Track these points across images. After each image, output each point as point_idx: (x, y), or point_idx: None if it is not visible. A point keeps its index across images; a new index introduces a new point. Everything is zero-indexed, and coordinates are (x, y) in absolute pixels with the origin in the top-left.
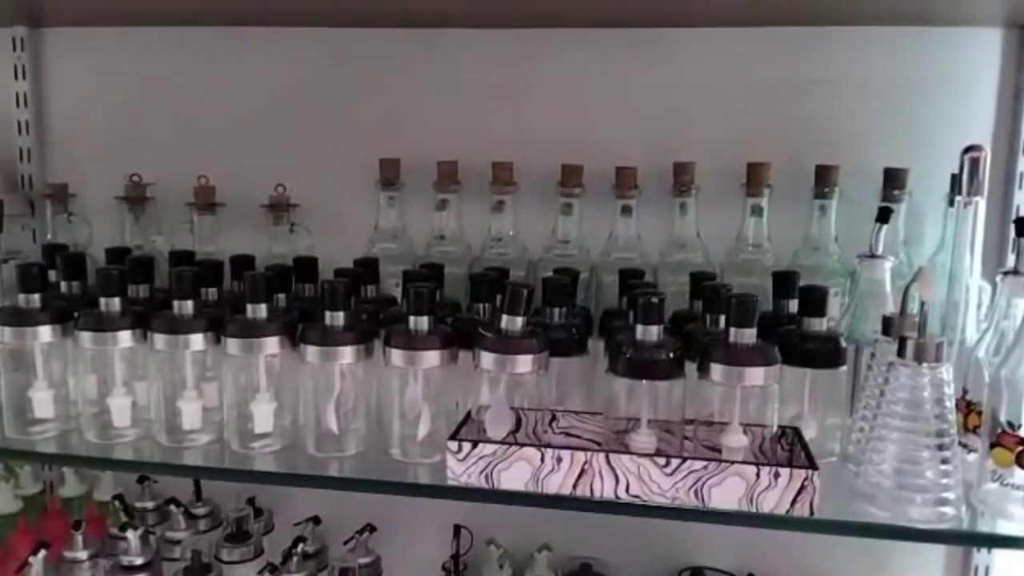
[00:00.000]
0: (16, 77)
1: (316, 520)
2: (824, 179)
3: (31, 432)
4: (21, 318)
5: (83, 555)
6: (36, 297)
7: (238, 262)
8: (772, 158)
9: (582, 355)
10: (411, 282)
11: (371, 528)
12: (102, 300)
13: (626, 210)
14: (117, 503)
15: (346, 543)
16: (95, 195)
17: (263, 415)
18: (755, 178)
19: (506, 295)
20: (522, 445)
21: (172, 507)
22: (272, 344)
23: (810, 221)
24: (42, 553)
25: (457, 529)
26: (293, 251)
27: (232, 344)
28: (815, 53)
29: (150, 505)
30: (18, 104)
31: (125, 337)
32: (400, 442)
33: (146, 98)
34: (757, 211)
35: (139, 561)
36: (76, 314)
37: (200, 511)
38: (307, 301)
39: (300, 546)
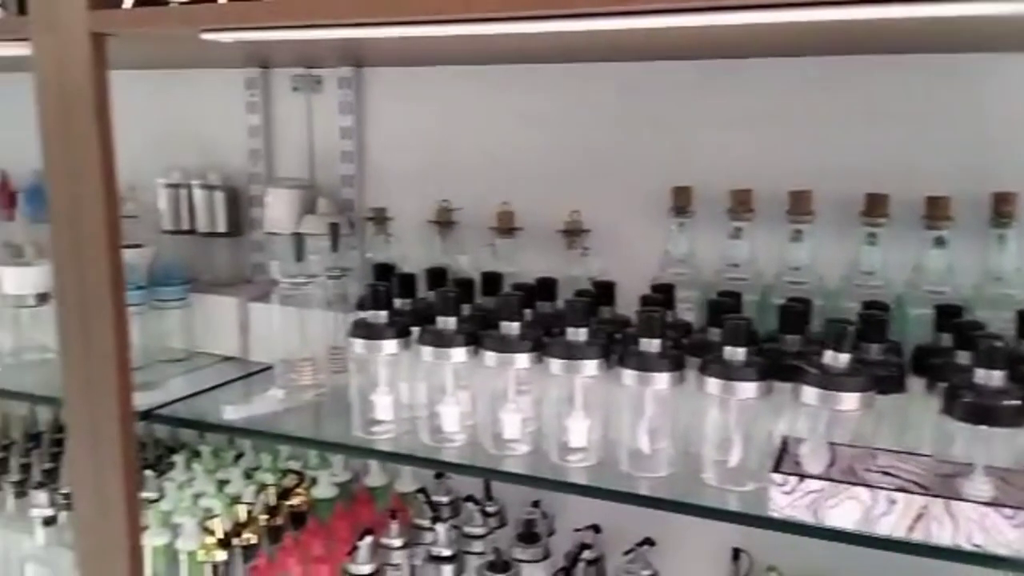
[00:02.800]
0: (341, 112)
1: (596, 528)
2: None
3: (373, 432)
4: (371, 331)
5: (397, 542)
6: (383, 314)
7: (543, 284)
8: None
9: (899, 392)
10: (720, 313)
11: (650, 542)
12: (440, 319)
13: (939, 241)
14: (421, 496)
15: (626, 554)
16: (407, 218)
17: (579, 431)
18: None
19: (830, 331)
20: (853, 484)
21: (469, 504)
22: (591, 366)
23: None
24: (368, 539)
25: (736, 553)
26: (586, 273)
27: (555, 364)
28: None
29: (445, 500)
30: (343, 136)
31: (460, 353)
32: (712, 467)
33: (454, 131)
34: None
35: (446, 553)
36: (417, 329)
37: (490, 509)
38: (609, 324)
39: (585, 552)
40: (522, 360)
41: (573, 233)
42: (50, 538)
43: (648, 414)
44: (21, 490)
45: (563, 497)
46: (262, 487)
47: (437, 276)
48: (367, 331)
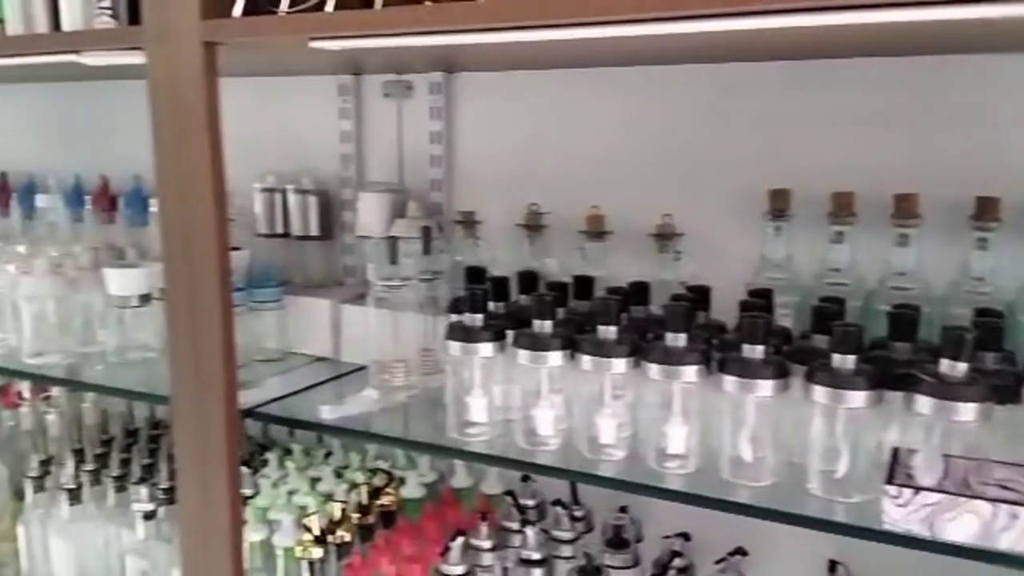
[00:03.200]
0: (432, 117)
1: (686, 536)
2: None
3: (467, 434)
4: (467, 334)
5: (487, 544)
6: (479, 317)
7: (636, 288)
8: None
9: (1015, 403)
10: (827, 319)
11: (743, 552)
12: (536, 322)
13: None
14: (509, 499)
15: (717, 563)
16: (496, 221)
17: (677, 437)
18: None
19: (948, 338)
20: (973, 497)
21: (557, 508)
22: (690, 372)
23: None
24: (460, 540)
25: (833, 565)
26: (678, 277)
27: (653, 369)
28: None
29: (531, 503)
30: (432, 141)
31: (556, 357)
32: (817, 477)
33: (543, 134)
34: None
35: (536, 556)
36: (512, 333)
37: (578, 513)
38: (704, 329)
39: (676, 560)
40: (619, 365)
41: (665, 237)
42: (149, 532)
43: (750, 422)
44: (121, 485)
45: (651, 503)
46: (353, 486)
47: (528, 280)
48: (463, 334)
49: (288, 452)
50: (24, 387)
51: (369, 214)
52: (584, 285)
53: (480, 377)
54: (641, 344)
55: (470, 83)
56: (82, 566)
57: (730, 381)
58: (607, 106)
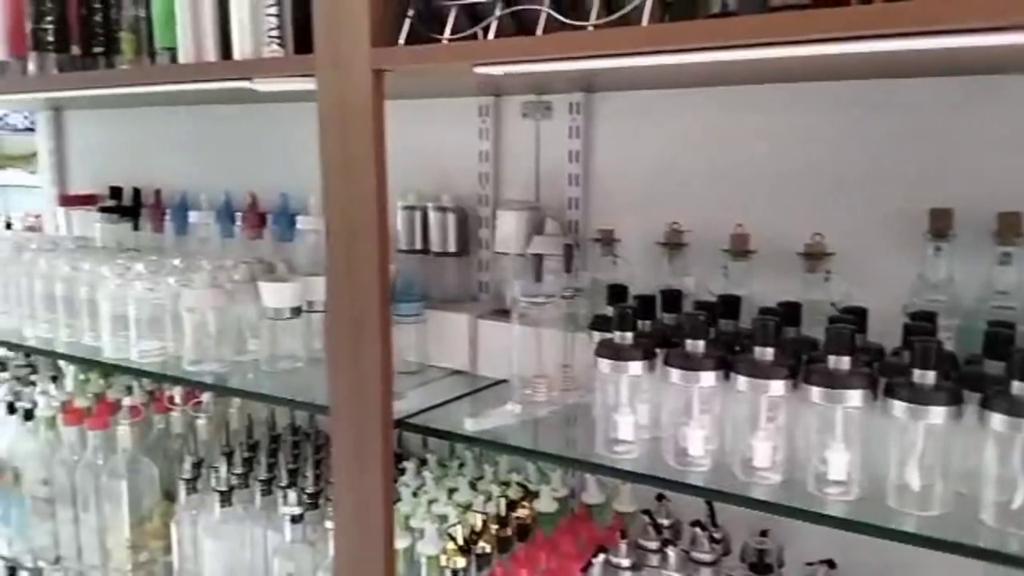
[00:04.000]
0: (570, 136)
1: (831, 564)
2: None
3: (615, 451)
4: (618, 352)
5: (626, 562)
6: (629, 335)
7: (788, 309)
8: None
9: None
10: (1000, 344)
11: None
12: (688, 342)
13: None
14: (646, 517)
15: None
16: (633, 239)
17: (839, 463)
18: None
19: None
20: None
21: (697, 529)
22: (855, 396)
23: None
24: (601, 556)
25: None
26: (828, 298)
27: (815, 393)
28: None
29: (666, 523)
30: (570, 159)
31: (708, 377)
32: (991, 508)
33: (685, 152)
34: None
35: None
36: (664, 352)
37: (716, 535)
38: (862, 352)
39: None
40: (776, 387)
41: (815, 256)
42: (295, 534)
43: (919, 449)
44: (267, 488)
45: (793, 529)
46: (489, 497)
47: (672, 298)
48: (614, 352)
49: (423, 462)
50: (176, 393)
51: (508, 231)
52: (731, 305)
53: (628, 394)
54: (798, 367)
55: (610, 102)
56: (231, 565)
57: (899, 407)
58: (752, 123)
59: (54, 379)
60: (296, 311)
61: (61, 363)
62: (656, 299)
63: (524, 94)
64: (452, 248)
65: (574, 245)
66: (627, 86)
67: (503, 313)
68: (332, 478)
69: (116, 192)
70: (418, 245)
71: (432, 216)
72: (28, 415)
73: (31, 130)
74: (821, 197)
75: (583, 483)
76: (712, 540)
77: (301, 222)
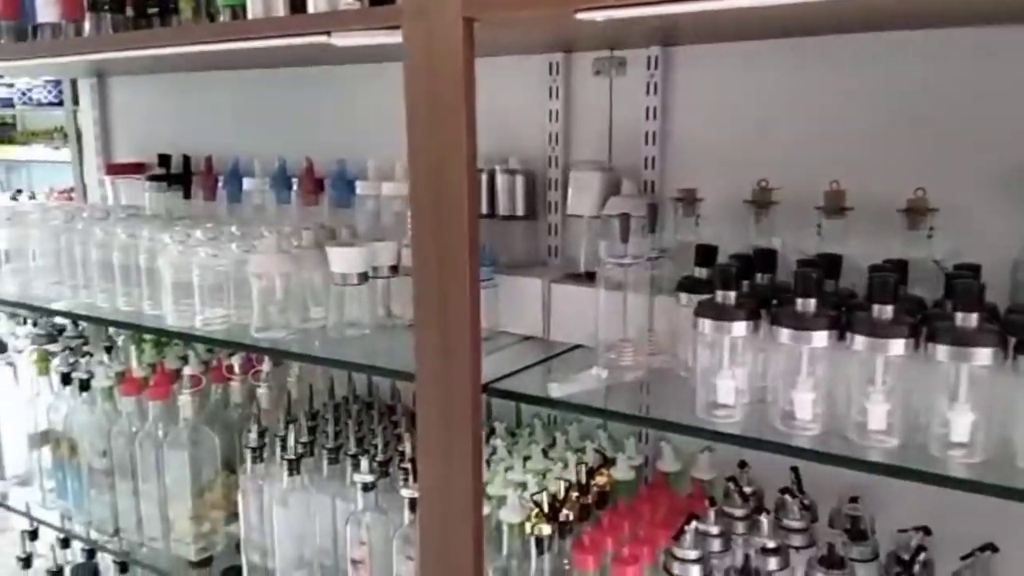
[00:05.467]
0: (648, 92)
1: (927, 530)
2: None
3: (716, 415)
4: (721, 312)
5: (715, 529)
6: (732, 294)
7: (897, 266)
8: None
9: None
10: None
11: (993, 548)
12: (799, 301)
13: None
14: (732, 485)
15: (964, 558)
16: (715, 199)
17: (962, 424)
18: None
19: None
20: None
21: (787, 496)
22: (983, 355)
23: None
24: (694, 524)
25: None
26: (930, 255)
27: (941, 351)
28: None
29: (748, 490)
30: (647, 117)
31: (820, 337)
32: None
33: (771, 107)
34: None
35: (771, 544)
36: (771, 310)
37: (806, 502)
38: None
39: (921, 554)
40: (896, 347)
41: (918, 212)
42: (367, 503)
43: None
44: (334, 457)
45: (883, 494)
46: (566, 465)
47: (766, 258)
48: (717, 312)
49: (492, 431)
50: (235, 362)
51: (581, 193)
52: (833, 264)
53: (730, 356)
54: (917, 326)
55: (689, 56)
56: (301, 534)
57: None
58: (844, 76)
59: (108, 350)
60: (363, 277)
61: (114, 334)
62: (752, 259)
63: (597, 49)
64: (520, 211)
65: (657, 206)
66: (710, 37)
67: (576, 277)
68: (416, 444)
69: (165, 160)
70: (485, 209)
71: (500, 179)
72: (84, 386)
73: (56, 104)
74: (921, 151)
75: (657, 451)
76: (802, 507)
77: (360, 187)
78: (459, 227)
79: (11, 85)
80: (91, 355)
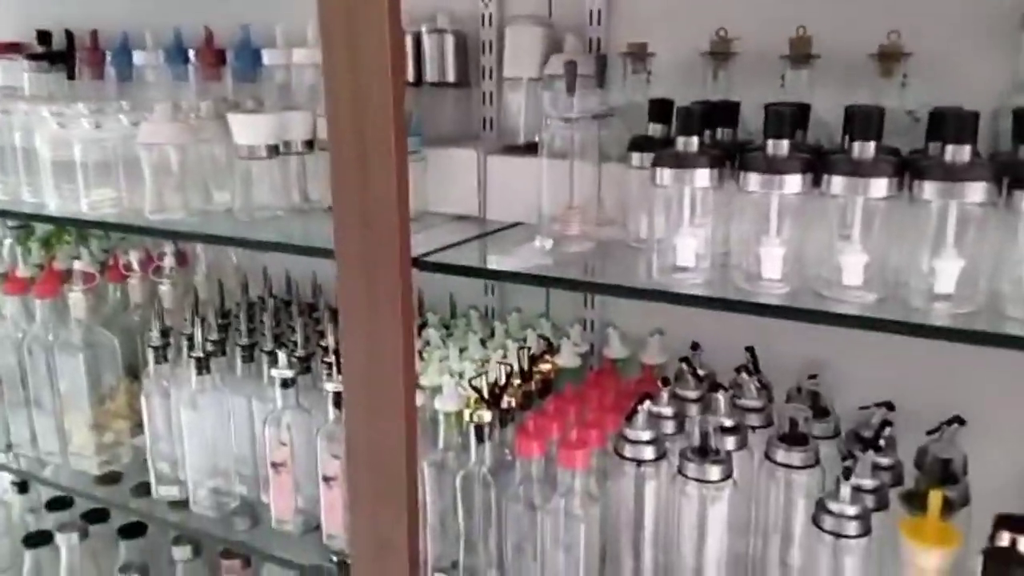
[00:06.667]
0: None
1: (889, 406)
2: None
3: (676, 278)
4: (681, 160)
5: (668, 411)
6: (694, 140)
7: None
8: None
9: None
10: None
11: (960, 420)
12: (770, 142)
13: None
14: (685, 366)
15: (930, 433)
16: (667, 53)
17: (948, 273)
18: None
19: None
20: None
21: (743, 374)
22: (976, 190)
23: None
24: (647, 404)
25: None
26: (903, 106)
27: (928, 189)
28: None
29: (702, 372)
30: None
31: (794, 181)
32: None
33: None
34: None
35: (728, 423)
36: (739, 157)
37: (762, 380)
38: None
39: (887, 429)
40: (878, 187)
41: (891, 57)
42: (287, 401)
43: None
44: (249, 355)
45: (844, 373)
46: (505, 353)
47: (727, 111)
48: (677, 160)
49: (424, 324)
50: (133, 258)
51: (519, 52)
52: (801, 114)
53: (690, 212)
54: (900, 167)
55: None
56: (213, 439)
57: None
58: None
59: None
60: (273, 150)
61: None
62: (710, 112)
63: None
64: (451, 78)
65: (606, 57)
66: None
67: (514, 149)
68: (338, 334)
69: (44, 37)
70: (410, 76)
71: (426, 40)
72: None
73: None
74: None
75: (604, 338)
76: (760, 386)
77: (267, 56)
78: (382, 90)
79: None
80: None
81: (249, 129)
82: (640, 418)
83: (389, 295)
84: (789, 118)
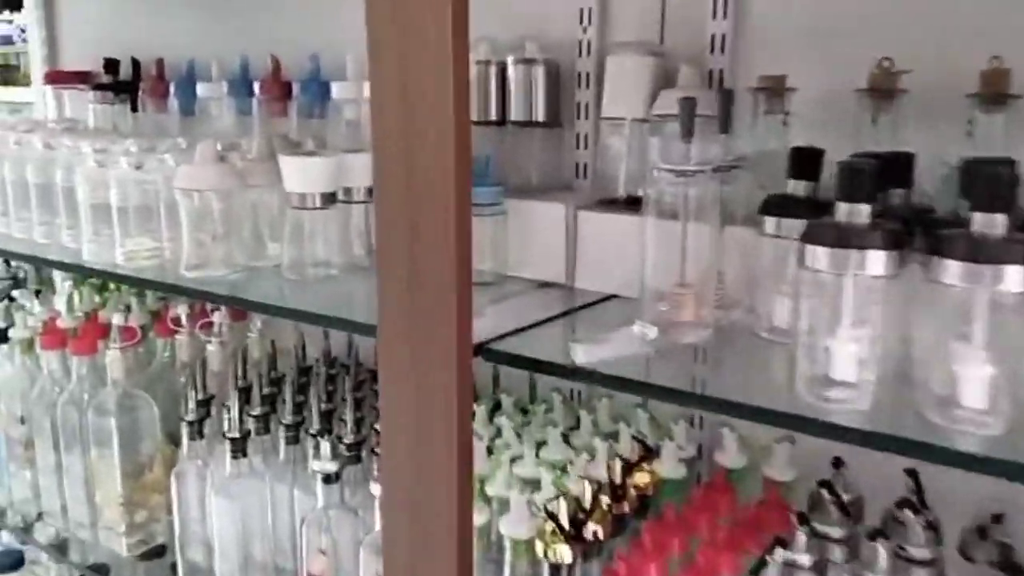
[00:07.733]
0: None
1: None
2: None
3: (827, 396)
4: (842, 236)
5: (806, 559)
6: (864, 209)
7: None
8: None
9: None
10: None
11: None
12: (977, 216)
13: None
14: (825, 492)
15: None
16: (810, 88)
17: None
18: None
19: None
20: None
21: (906, 511)
22: None
23: None
24: (780, 552)
25: None
26: None
27: None
28: None
29: (846, 497)
30: None
31: (1016, 274)
32: None
33: None
34: None
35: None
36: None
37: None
38: None
39: None
40: None
41: None
42: (330, 498)
43: None
44: (294, 435)
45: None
46: (593, 456)
47: (899, 165)
48: (838, 236)
49: (497, 406)
50: (181, 312)
51: (622, 86)
52: (1012, 173)
53: (855, 306)
54: None
55: None
56: (246, 531)
57: None
58: None
59: (37, 293)
60: (329, 198)
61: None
62: (883, 168)
63: None
64: (539, 116)
65: (733, 93)
66: None
67: (612, 203)
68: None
69: (111, 65)
70: (492, 114)
71: (512, 72)
72: (2, 336)
73: None
74: None
75: (716, 440)
76: (928, 525)
77: (336, 90)
78: (442, 133)
79: (10, 22)
80: (12, 299)
81: (301, 174)
82: (770, 572)
83: (442, 387)
84: (1006, 183)
